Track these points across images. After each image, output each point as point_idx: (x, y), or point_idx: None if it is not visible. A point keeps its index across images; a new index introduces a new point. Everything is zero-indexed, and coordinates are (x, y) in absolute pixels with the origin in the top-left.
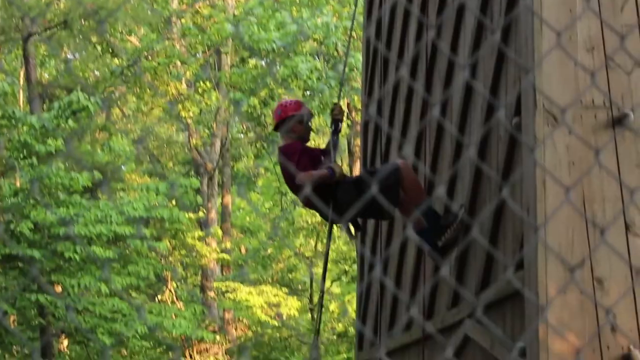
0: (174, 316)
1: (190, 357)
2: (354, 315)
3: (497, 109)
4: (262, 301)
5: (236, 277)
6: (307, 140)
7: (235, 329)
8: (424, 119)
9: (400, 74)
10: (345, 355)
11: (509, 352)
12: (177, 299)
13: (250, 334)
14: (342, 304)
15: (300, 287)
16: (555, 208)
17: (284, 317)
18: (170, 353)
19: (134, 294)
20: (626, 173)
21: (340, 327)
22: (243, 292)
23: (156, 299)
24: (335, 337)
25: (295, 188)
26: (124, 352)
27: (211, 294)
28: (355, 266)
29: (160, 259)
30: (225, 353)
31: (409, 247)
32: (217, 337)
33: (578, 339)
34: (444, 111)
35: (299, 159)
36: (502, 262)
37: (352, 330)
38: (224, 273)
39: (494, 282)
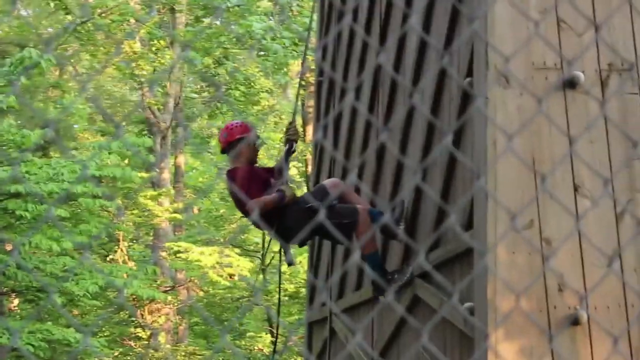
0: (125, 276)
1: (142, 316)
2: (304, 276)
3: (448, 66)
4: (214, 261)
5: (188, 237)
6: (255, 162)
7: (187, 290)
8: (377, 76)
9: (353, 28)
10: (297, 317)
11: (458, 312)
12: (128, 258)
13: (202, 294)
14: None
15: (252, 247)
16: (501, 153)
17: (236, 278)
18: (120, 313)
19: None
20: (576, 134)
21: (291, 288)
22: (195, 253)
23: (107, 258)
24: (287, 298)
25: (246, 213)
26: (75, 311)
27: (163, 254)
28: None
29: (112, 218)
30: (177, 313)
31: None
32: (169, 297)
33: (526, 298)
34: (397, 70)
35: (249, 184)
36: (450, 213)
37: (303, 291)
38: (176, 233)
39: (444, 243)
